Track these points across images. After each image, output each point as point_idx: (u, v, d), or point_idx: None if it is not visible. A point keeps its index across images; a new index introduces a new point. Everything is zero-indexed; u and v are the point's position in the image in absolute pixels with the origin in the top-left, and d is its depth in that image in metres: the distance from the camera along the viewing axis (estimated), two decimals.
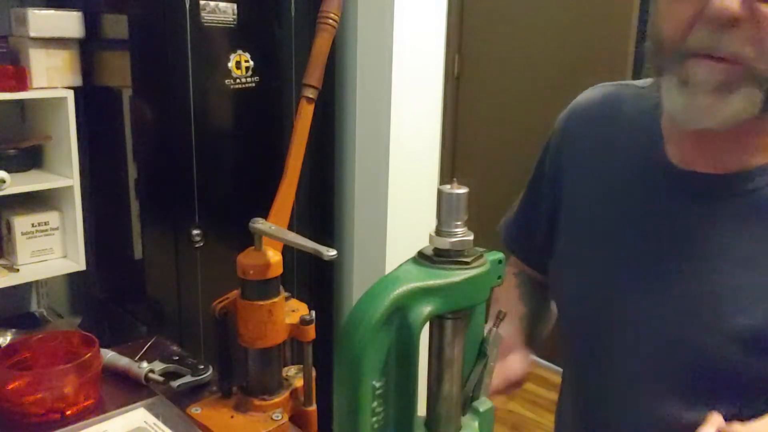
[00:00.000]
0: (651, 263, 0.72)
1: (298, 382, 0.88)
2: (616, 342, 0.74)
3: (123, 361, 0.95)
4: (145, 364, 0.93)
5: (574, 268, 0.80)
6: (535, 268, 0.92)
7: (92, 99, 1.82)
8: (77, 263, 1.76)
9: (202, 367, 0.94)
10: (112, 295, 1.99)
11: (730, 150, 0.68)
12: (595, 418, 0.80)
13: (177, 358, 0.96)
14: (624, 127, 0.78)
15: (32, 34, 1.62)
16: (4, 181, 1.57)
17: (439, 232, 0.46)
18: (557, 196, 0.84)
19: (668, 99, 0.65)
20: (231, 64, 1.78)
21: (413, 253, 0.48)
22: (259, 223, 0.79)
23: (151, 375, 0.92)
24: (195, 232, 1.79)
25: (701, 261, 0.69)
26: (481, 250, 0.48)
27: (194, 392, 0.91)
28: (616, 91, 0.82)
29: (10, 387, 0.85)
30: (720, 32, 0.59)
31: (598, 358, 0.77)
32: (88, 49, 1.77)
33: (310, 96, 0.82)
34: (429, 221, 2.00)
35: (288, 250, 0.81)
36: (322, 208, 2.13)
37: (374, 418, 0.44)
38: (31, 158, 1.78)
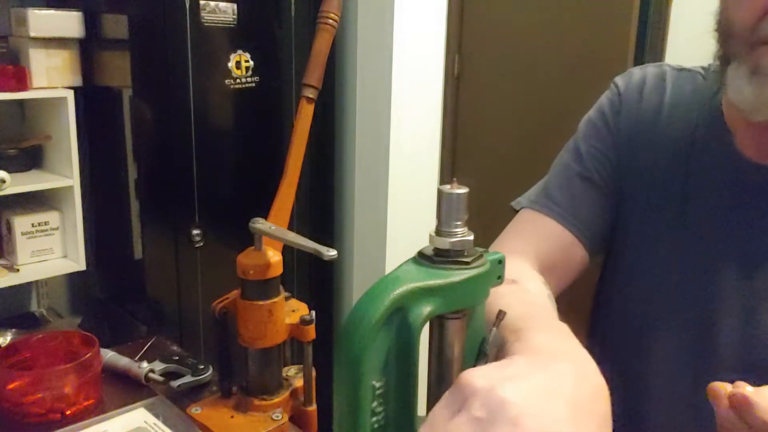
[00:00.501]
0: (728, 258, 0.71)
1: (298, 382, 0.88)
2: (684, 337, 0.73)
3: (123, 361, 0.95)
4: (145, 364, 0.93)
5: (647, 262, 0.78)
6: (575, 229, 0.82)
7: (92, 99, 1.83)
8: (77, 263, 1.76)
9: (202, 367, 0.94)
10: (112, 295, 1.99)
11: None
12: (649, 416, 0.78)
13: (177, 358, 0.96)
14: (687, 112, 0.77)
15: (32, 34, 1.62)
16: (4, 181, 1.57)
17: (439, 232, 0.46)
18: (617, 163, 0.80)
19: (735, 89, 0.63)
20: (231, 64, 1.78)
21: (413, 253, 0.47)
22: (259, 223, 0.79)
23: (151, 375, 0.92)
24: (195, 232, 1.79)
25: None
26: (481, 250, 0.48)
27: (194, 392, 0.91)
28: (676, 75, 0.80)
29: (10, 387, 0.84)
30: None
31: (659, 354, 0.75)
32: (88, 49, 1.77)
33: (310, 96, 0.82)
34: (429, 221, 2.00)
35: (288, 250, 0.81)
36: (322, 208, 2.13)
37: (374, 418, 0.44)
38: (31, 158, 1.78)
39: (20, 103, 1.82)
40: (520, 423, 0.37)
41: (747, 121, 0.68)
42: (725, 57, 0.65)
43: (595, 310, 0.87)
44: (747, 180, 0.70)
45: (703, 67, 0.79)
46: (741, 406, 0.49)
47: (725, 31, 0.65)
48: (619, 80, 0.84)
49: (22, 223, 1.71)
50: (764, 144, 0.69)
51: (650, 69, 0.82)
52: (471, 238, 0.46)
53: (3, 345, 1.58)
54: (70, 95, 1.66)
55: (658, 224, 0.76)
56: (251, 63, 1.82)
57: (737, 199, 0.71)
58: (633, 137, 0.79)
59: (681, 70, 0.80)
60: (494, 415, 0.37)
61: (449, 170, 3.25)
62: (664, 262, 0.76)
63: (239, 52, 1.79)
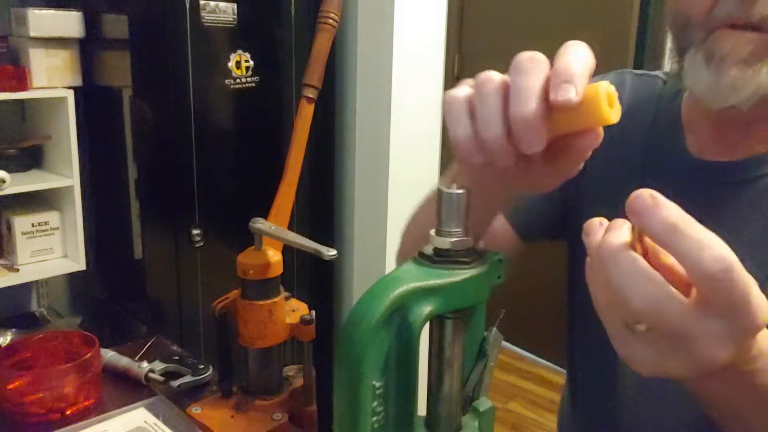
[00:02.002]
0: None
1: (298, 382, 0.88)
2: None
3: (123, 361, 0.95)
4: (145, 364, 0.93)
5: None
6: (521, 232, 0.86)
7: (92, 99, 1.83)
8: (77, 263, 1.76)
9: (202, 366, 0.94)
10: (112, 295, 1.99)
11: (742, 139, 0.68)
12: (616, 409, 0.79)
13: (177, 357, 0.96)
14: (642, 116, 0.78)
15: (32, 34, 1.62)
16: (4, 181, 1.57)
17: (439, 231, 0.46)
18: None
19: (692, 77, 0.63)
20: (231, 64, 1.78)
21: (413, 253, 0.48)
22: (259, 223, 0.79)
23: (151, 375, 0.92)
24: (195, 232, 1.79)
25: None
26: (481, 250, 0.48)
27: (194, 392, 0.91)
28: (636, 80, 0.82)
29: (10, 387, 0.85)
30: (749, 1, 0.58)
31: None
32: (88, 49, 1.77)
33: (310, 96, 0.82)
34: None
35: (288, 250, 0.81)
36: (322, 208, 2.13)
37: (374, 418, 0.44)
38: (31, 158, 1.78)
39: (20, 103, 1.82)
40: None
41: (704, 118, 0.70)
42: (681, 48, 0.65)
43: (568, 308, 0.89)
44: (688, 174, 0.71)
45: (665, 72, 0.80)
46: (644, 210, 0.39)
47: (680, 22, 0.65)
48: None
49: (22, 223, 1.71)
50: (709, 140, 0.70)
51: (611, 76, 0.84)
52: (471, 237, 0.46)
53: (3, 345, 1.58)
54: (70, 95, 1.66)
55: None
56: (251, 63, 1.82)
57: (689, 199, 0.72)
58: None
59: (642, 75, 0.82)
60: None
61: None
62: None
63: (239, 52, 1.79)
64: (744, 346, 0.41)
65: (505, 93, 0.43)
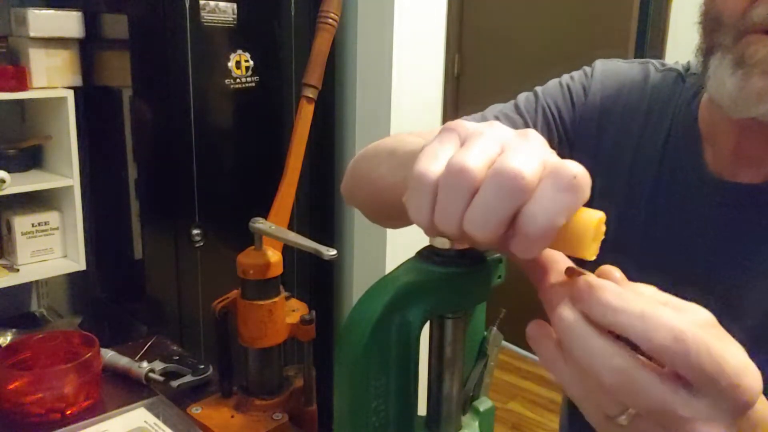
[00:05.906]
0: (679, 271, 0.67)
1: (298, 382, 0.88)
2: None
3: (123, 361, 0.95)
4: (145, 364, 0.93)
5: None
6: None
7: (92, 99, 1.83)
8: (77, 263, 1.76)
9: (203, 366, 0.94)
10: (112, 295, 1.99)
11: (765, 154, 0.64)
12: None
13: (177, 357, 0.96)
14: (662, 118, 0.74)
15: (32, 34, 1.62)
16: (4, 181, 1.57)
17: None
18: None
19: (716, 81, 0.59)
20: (231, 64, 1.78)
21: (413, 253, 0.48)
22: (259, 223, 0.79)
23: (151, 375, 0.92)
24: (195, 231, 1.79)
25: (729, 273, 0.66)
26: (481, 250, 0.48)
27: (194, 392, 0.91)
28: (659, 77, 0.77)
29: (10, 387, 0.85)
30: None
31: None
32: (88, 49, 1.77)
33: (310, 96, 0.82)
34: None
35: (288, 250, 0.81)
36: (322, 208, 2.13)
37: (374, 418, 0.44)
38: (31, 158, 1.78)
39: (20, 103, 1.82)
40: None
41: (725, 127, 0.66)
42: (709, 49, 0.61)
43: None
44: (714, 198, 0.67)
45: (684, 66, 0.76)
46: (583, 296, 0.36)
47: (712, 20, 0.61)
48: (599, 64, 0.82)
49: (22, 223, 1.71)
50: (731, 158, 0.66)
51: (636, 67, 0.79)
52: None
53: (3, 345, 1.58)
54: (70, 95, 1.66)
55: (622, 237, 0.71)
56: (251, 63, 1.82)
57: (703, 220, 0.68)
58: (602, 127, 0.77)
59: (664, 70, 0.77)
60: None
61: None
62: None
63: (239, 52, 1.79)
64: (739, 424, 0.35)
65: (474, 192, 0.37)
